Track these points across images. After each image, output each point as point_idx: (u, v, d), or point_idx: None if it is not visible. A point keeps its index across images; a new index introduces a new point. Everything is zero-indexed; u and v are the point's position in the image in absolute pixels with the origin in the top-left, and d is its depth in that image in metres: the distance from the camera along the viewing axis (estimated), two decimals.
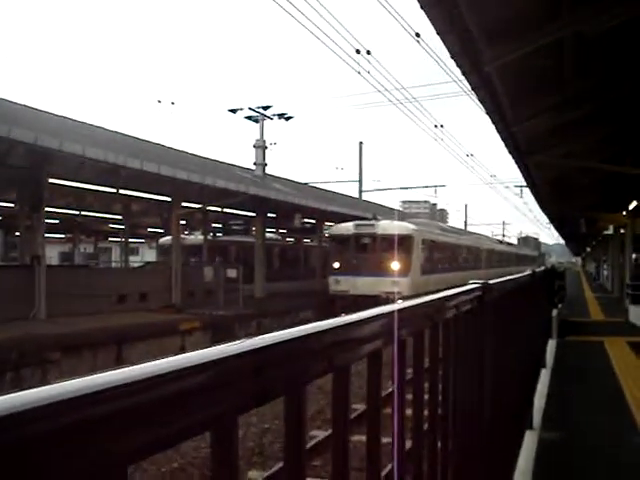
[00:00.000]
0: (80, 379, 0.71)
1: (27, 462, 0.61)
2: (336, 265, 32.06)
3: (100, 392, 0.70)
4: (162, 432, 0.79)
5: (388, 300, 25.33)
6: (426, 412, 2.22)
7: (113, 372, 0.76)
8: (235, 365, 0.95)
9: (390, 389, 1.93)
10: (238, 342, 1.01)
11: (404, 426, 1.91)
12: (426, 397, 2.21)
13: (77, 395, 0.67)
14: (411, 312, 2.02)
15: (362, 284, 30.43)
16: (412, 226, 33.69)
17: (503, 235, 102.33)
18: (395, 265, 30.50)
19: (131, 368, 0.78)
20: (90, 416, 0.69)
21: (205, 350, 0.93)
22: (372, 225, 32.27)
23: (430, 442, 2.26)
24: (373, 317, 1.64)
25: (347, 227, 32.55)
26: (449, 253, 41.58)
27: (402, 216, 44.61)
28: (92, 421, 0.69)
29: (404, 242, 31.27)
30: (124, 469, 0.73)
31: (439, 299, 2.38)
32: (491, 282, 3.46)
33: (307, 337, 1.21)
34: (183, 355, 0.87)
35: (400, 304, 1.92)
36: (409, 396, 1.99)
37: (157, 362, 0.82)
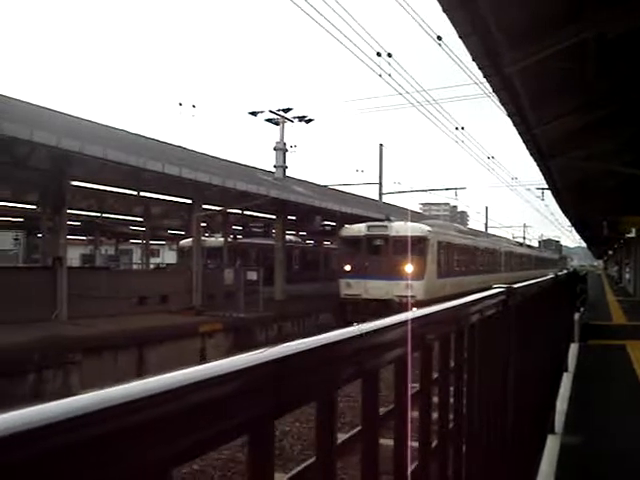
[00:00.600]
0: (121, 386, 0.73)
1: (79, 466, 0.63)
2: (347, 268, 31.16)
3: (142, 399, 0.72)
4: (202, 436, 0.81)
5: (401, 305, 23.76)
6: (450, 415, 2.23)
7: (153, 379, 0.77)
8: (271, 370, 0.97)
9: (413, 392, 1.94)
10: (273, 348, 1.02)
11: (430, 428, 1.92)
12: (451, 400, 2.22)
13: (121, 402, 0.69)
14: (437, 317, 2.03)
15: (374, 288, 29.60)
16: (427, 227, 32.63)
17: (524, 238, 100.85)
18: (409, 268, 29.15)
19: (172, 374, 0.80)
20: (134, 422, 0.70)
21: (242, 356, 0.94)
22: (385, 226, 31.29)
23: (454, 444, 2.27)
24: (400, 323, 1.65)
25: (359, 228, 31.64)
26: (466, 256, 40.32)
27: (418, 217, 43.61)
28: (136, 427, 0.70)
29: (418, 244, 30.22)
30: (168, 473, 0.75)
31: (465, 304, 2.38)
32: (515, 286, 3.46)
33: (337, 343, 1.23)
34: (222, 361, 0.89)
35: (427, 309, 1.93)
36: (434, 399, 2.00)
37: (197, 368, 0.83)
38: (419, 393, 1.89)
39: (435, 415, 2.05)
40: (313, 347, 1.12)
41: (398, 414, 1.66)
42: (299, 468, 10.28)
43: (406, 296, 28.15)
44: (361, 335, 1.36)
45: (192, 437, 0.79)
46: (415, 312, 1.81)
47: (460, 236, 40.67)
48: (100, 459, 0.66)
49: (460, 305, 2.32)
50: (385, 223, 31.82)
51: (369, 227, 31.39)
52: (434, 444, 2.04)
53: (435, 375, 2.06)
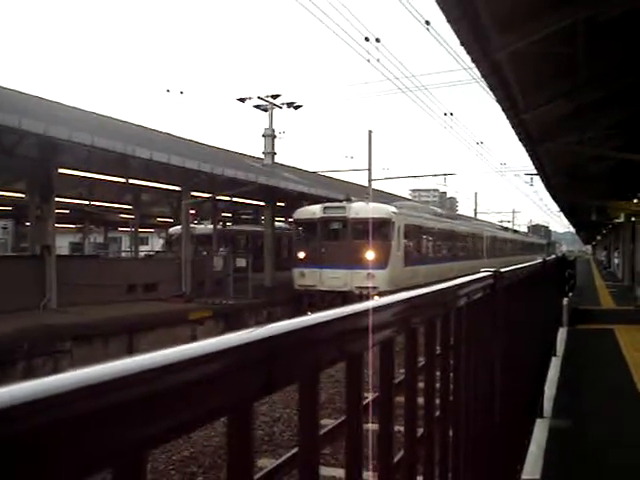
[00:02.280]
0: (99, 366, 0.72)
1: (53, 446, 0.62)
2: (301, 255, 28.07)
3: (119, 379, 0.70)
4: (180, 418, 0.80)
5: (362, 297, 21.51)
6: (437, 400, 2.23)
7: (131, 360, 0.76)
8: (251, 352, 0.96)
9: (401, 377, 1.93)
10: (254, 329, 1.01)
11: (416, 413, 1.91)
12: (437, 385, 2.22)
13: (98, 382, 0.68)
14: (423, 300, 2.02)
15: (331, 278, 26.76)
16: (391, 208, 29.05)
17: (508, 222, 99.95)
18: (370, 255, 26.42)
19: (150, 355, 0.78)
20: (110, 402, 0.69)
21: (222, 337, 0.93)
22: (342, 207, 27.93)
23: (441, 429, 2.26)
24: (386, 305, 1.64)
25: (313, 210, 28.37)
26: (442, 241, 37.48)
27: (390, 199, 38.51)
28: (112, 407, 0.69)
29: (381, 227, 27.10)
30: (144, 454, 0.74)
31: (451, 287, 2.38)
32: (502, 270, 3.46)
33: (321, 325, 1.22)
34: (201, 342, 0.88)
35: (413, 292, 1.92)
36: (421, 384, 1.99)
37: (175, 349, 0.82)
38: (405, 378, 1.88)
39: (422, 400, 2.04)
40: (295, 328, 1.11)
41: (383, 399, 1.65)
42: (288, 454, 10.32)
43: (367, 287, 25.77)
44: (344, 317, 1.35)
45: (169, 418, 0.78)
46: (402, 295, 1.80)
47: (434, 219, 37.44)
48: (77, 438, 0.65)
49: (446, 288, 2.31)
50: (343, 204, 28.53)
51: (325, 208, 28.19)
52: (421, 430, 2.03)
53: (422, 359, 2.06)
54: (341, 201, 29.25)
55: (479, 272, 3.10)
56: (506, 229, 76.66)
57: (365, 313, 1.45)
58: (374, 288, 25.46)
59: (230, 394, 0.91)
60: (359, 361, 1.40)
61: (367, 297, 23.53)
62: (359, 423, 1.39)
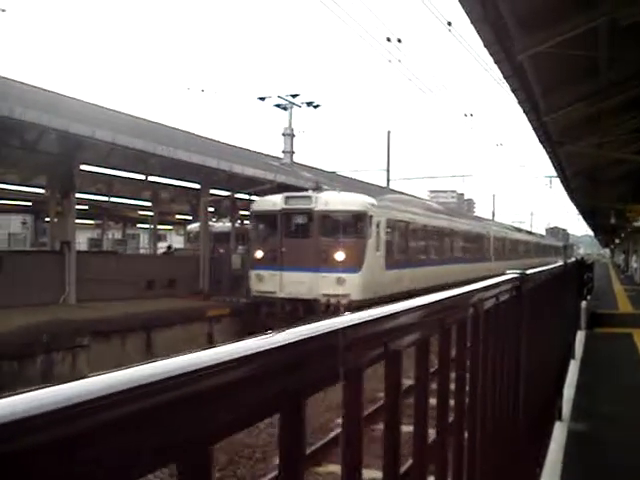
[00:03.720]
0: (161, 361, 0.74)
1: (121, 439, 0.65)
2: (258, 254, 23.52)
3: (184, 374, 0.73)
4: (240, 413, 0.82)
5: (329, 307, 19.79)
6: (461, 401, 2.25)
7: (194, 355, 0.78)
8: (302, 350, 0.99)
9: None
10: (305, 326, 1.04)
11: (447, 415, 1.94)
12: (466, 387, 2.24)
13: (164, 377, 0.70)
14: (454, 301, 2.04)
15: (293, 282, 22.18)
16: (369, 199, 24.19)
17: (525, 224, 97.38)
18: (340, 255, 21.97)
19: (213, 351, 0.81)
20: (176, 397, 0.71)
21: (272, 335, 0.96)
22: (308, 197, 23.24)
23: (470, 431, 2.29)
24: (416, 307, 1.66)
25: (274, 200, 23.66)
26: (437, 240, 32.67)
27: (380, 192, 34.33)
28: (178, 402, 0.72)
29: (355, 221, 22.87)
30: (209, 448, 0.76)
31: (479, 289, 2.40)
32: (528, 272, 3.48)
33: (364, 324, 1.25)
34: (257, 338, 0.91)
35: (442, 293, 1.93)
36: (451, 385, 2.02)
37: (235, 345, 0.85)
38: (435, 377, 1.91)
39: (448, 401, 2.07)
40: (338, 328, 1.14)
41: (419, 397, 1.68)
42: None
43: (336, 295, 21.49)
44: (376, 319, 1.37)
45: (230, 413, 0.80)
46: (431, 296, 1.82)
47: (427, 214, 32.62)
48: (143, 433, 0.67)
49: (475, 290, 2.33)
50: (309, 192, 23.98)
51: (287, 198, 23.41)
52: (436, 431, 2.06)
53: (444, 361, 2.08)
54: (307, 190, 24.95)
55: (504, 274, 3.12)
56: (519, 230, 72.70)
57: (400, 314, 1.48)
58: (344, 296, 21.48)
59: (284, 391, 0.94)
60: (398, 360, 1.43)
61: (336, 308, 20.94)
62: (397, 420, 1.42)
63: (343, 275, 21.67)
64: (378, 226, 23.57)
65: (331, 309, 20.98)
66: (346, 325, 1.18)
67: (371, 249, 22.92)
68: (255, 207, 25.00)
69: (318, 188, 24.88)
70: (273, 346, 0.92)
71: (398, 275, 25.15)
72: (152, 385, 0.66)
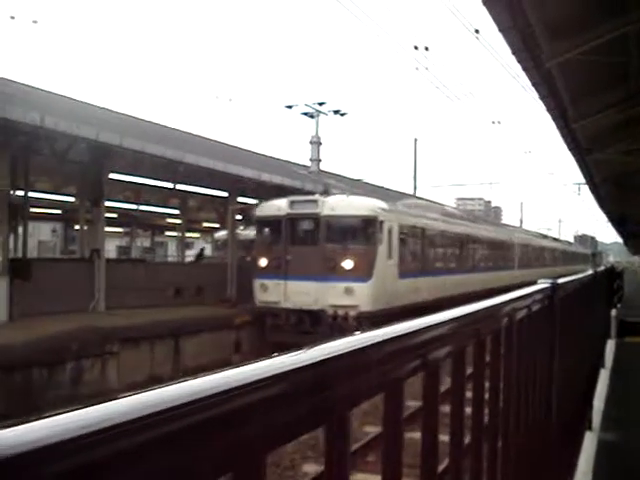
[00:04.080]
0: (218, 374, 0.76)
1: (185, 447, 0.67)
2: (262, 263, 22.20)
3: (241, 387, 0.75)
4: (289, 425, 0.85)
5: (336, 319, 18.83)
6: (495, 409, 2.26)
7: (248, 367, 0.81)
8: (344, 363, 1.01)
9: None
10: (344, 341, 1.06)
11: (482, 423, 1.95)
12: (500, 395, 2.25)
13: (222, 390, 0.72)
14: (488, 312, 2.06)
15: (298, 292, 20.96)
16: (379, 204, 22.74)
17: (550, 231, 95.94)
18: (348, 263, 20.71)
19: (260, 364, 0.83)
20: (234, 408, 0.74)
21: (315, 348, 0.98)
22: (314, 202, 21.91)
23: (503, 440, 2.29)
24: (455, 318, 1.67)
25: (278, 205, 22.34)
26: (457, 248, 31.07)
27: (397, 198, 32.99)
28: (236, 412, 0.74)
29: (365, 227, 21.44)
30: (262, 458, 0.79)
31: (514, 299, 2.41)
32: (560, 281, 3.47)
33: (404, 336, 1.27)
34: (301, 351, 0.93)
35: (477, 304, 1.94)
36: (486, 395, 2.03)
37: (281, 358, 0.87)
38: (472, 386, 1.92)
39: (483, 409, 2.08)
40: (379, 341, 1.16)
41: (455, 408, 1.69)
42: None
43: (344, 306, 20.21)
44: (414, 332, 1.39)
45: (280, 425, 0.83)
46: (466, 307, 1.82)
47: (445, 220, 30.82)
48: (205, 442, 0.70)
49: (508, 300, 2.34)
50: (315, 197, 22.70)
51: (292, 203, 22.09)
52: (470, 439, 2.07)
53: (480, 371, 2.09)
54: (313, 194, 23.79)
55: (536, 283, 3.12)
56: (544, 236, 70.93)
57: (439, 326, 1.49)
58: (353, 307, 20.25)
59: (328, 403, 0.96)
60: (436, 371, 1.45)
61: (343, 320, 19.99)
62: (435, 432, 1.44)
63: (352, 285, 20.49)
64: (390, 232, 22.32)
65: (338, 321, 20.09)
66: (386, 338, 1.20)
67: (382, 256, 21.61)
68: (259, 212, 23.70)
69: (326, 192, 24.06)
70: (317, 360, 0.94)
71: (413, 284, 23.87)
72: (212, 398, 0.69)
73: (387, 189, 48.25)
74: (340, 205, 21.52)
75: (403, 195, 42.68)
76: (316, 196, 22.67)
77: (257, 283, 22.12)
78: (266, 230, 23.41)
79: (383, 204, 22.88)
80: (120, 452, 0.60)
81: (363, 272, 20.60)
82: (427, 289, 24.65)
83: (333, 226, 21.39)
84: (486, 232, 37.85)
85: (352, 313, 20.12)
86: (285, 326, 20.73)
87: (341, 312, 20.18)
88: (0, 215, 17.30)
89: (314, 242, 21.35)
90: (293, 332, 20.01)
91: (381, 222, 21.55)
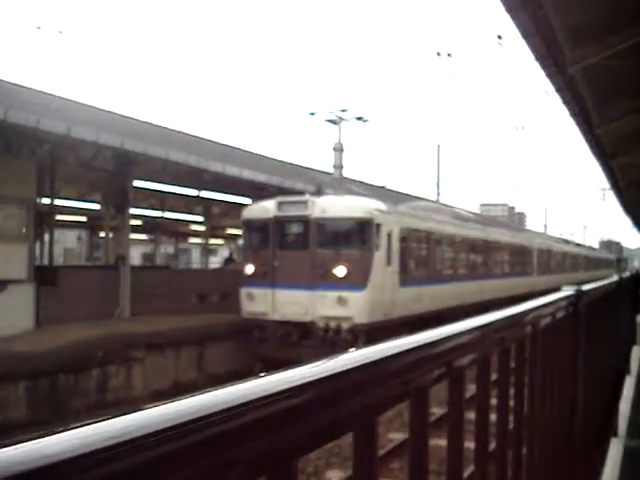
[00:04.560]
0: (248, 383, 0.79)
1: (218, 455, 0.71)
2: (249, 269, 20.37)
3: (270, 396, 0.78)
4: (320, 431, 0.88)
5: (328, 332, 17.15)
6: (520, 416, 2.28)
7: (277, 376, 0.84)
8: (372, 371, 1.04)
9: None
10: (372, 349, 1.09)
11: (506, 430, 1.97)
12: (525, 403, 2.27)
13: (259, 397, 0.75)
14: (512, 320, 2.08)
15: (287, 302, 19.14)
16: (376, 205, 20.76)
17: (573, 236, 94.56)
18: (341, 270, 18.75)
19: (289, 373, 0.86)
20: (263, 416, 0.77)
21: (342, 357, 1.02)
22: (304, 202, 19.91)
23: (528, 447, 2.31)
24: (479, 326, 1.69)
25: (266, 208, 20.39)
26: (468, 253, 28.80)
27: (399, 199, 31.11)
28: (266, 420, 0.77)
29: (359, 230, 19.55)
30: (295, 462, 0.82)
31: (539, 306, 2.42)
32: (584, 288, 3.48)
33: (428, 345, 1.30)
34: (329, 360, 0.96)
35: (501, 312, 1.96)
36: (510, 402, 2.05)
37: (311, 366, 0.90)
38: (497, 393, 1.94)
39: (508, 416, 2.10)
40: (405, 350, 1.19)
41: (480, 415, 1.72)
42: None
43: (337, 317, 18.41)
44: (439, 340, 1.41)
45: (311, 430, 0.86)
46: (490, 315, 1.85)
47: (455, 223, 28.81)
48: (241, 448, 0.73)
49: (533, 308, 2.36)
50: (305, 197, 20.73)
51: (280, 204, 20.07)
52: (497, 446, 2.09)
53: (504, 377, 2.11)
54: (303, 194, 21.85)
55: (560, 290, 3.13)
56: (567, 241, 69.28)
57: (464, 334, 1.52)
58: (346, 319, 18.38)
59: (356, 410, 0.99)
60: (461, 379, 1.47)
61: (336, 333, 18.36)
62: (461, 439, 1.46)
63: (345, 294, 18.47)
64: (390, 235, 20.40)
65: (330, 334, 18.37)
66: (411, 346, 1.23)
67: (379, 262, 19.63)
68: (246, 214, 21.63)
69: (318, 192, 22.52)
70: (345, 368, 0.97)
71: (416, 293, 21.94)
72: (250, 404, 0.72)
73: (412, 196, 48.08)
74: (332, 206, 19.62)
75: (422, 201, 41.89)
76: (306, 196, 20.85)
77: (243, 292, 20.29)
78: (253, 234, 21.48)
79: (381, 205, 21.06)
80: (150, 461, 0.62)
81: (357, 280, 18.77)
82: (433, 298, 23.00)
83: (324, 229, 19.55)
84: (502, 236, 35.80)
85: (345, 325, 18.45)
86: (273, 339, 19.05)
87: (333, 324, 18.46)
88: (27, 223, 17.48)
89: (304, 247, 19.50)
90: (281, 346, 18.68)
91: (378, 225, 19.66)
